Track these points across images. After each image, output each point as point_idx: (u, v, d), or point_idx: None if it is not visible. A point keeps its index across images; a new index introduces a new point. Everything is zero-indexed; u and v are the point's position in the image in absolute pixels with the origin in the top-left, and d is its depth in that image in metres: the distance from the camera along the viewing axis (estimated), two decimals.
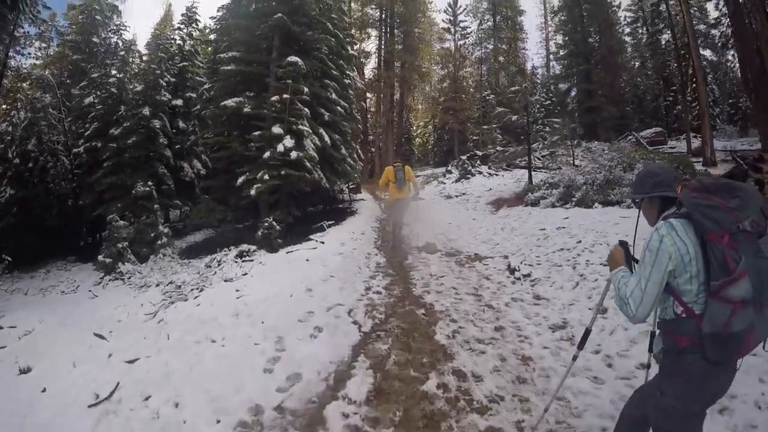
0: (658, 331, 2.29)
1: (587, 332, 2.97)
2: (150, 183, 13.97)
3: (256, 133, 11.09)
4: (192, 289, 8.04)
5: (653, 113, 38.39)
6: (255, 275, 7.84)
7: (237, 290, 6.96)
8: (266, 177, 10.45)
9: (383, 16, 40.60)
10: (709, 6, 33.11)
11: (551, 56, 45.51)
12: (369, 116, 41.47)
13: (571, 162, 17.06)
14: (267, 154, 10.62)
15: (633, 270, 2.32)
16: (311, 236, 10.70)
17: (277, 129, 10.74)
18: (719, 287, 1.89)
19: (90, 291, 11.17)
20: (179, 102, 17.16)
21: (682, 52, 29.82)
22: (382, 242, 11.13)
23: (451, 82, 42.80)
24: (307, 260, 8.29)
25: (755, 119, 28.35)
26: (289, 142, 10.59)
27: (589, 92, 33.79)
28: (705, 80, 23.99)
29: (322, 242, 9.88)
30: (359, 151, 17.40)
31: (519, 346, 4.95)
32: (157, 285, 9.95)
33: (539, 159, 19.37)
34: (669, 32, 34.51)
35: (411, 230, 11.83)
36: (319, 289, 6.59)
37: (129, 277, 11.62)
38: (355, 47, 16.19)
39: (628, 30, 41.02)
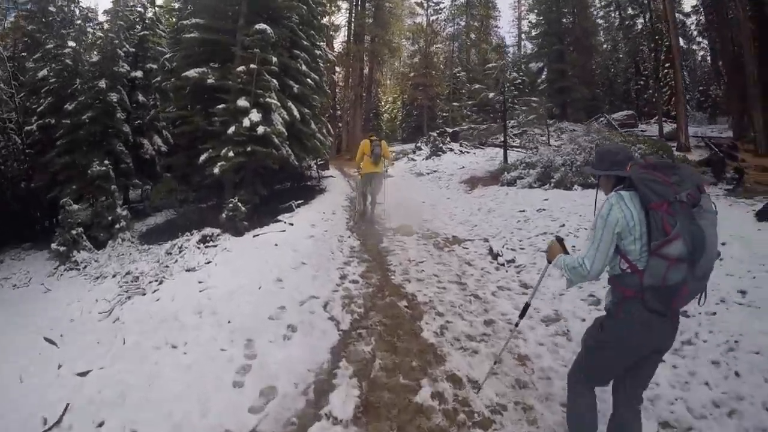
0: (608, 286, 2.62)
1: (527, 306, 3.49)
2: (107, 162, 12.99)
3: (220, 106, 10.27)
4: (151, 281, 7.31)
5: (623, 96, 38.74)
6: (220, 263, 7.16)
7: (200, 281, 6.32)
8: (231, 154, 9.67)
9: None
10: None
11: (523, 35, 45.61)
12: (338, 90, 40.65)
13: (546, 142, 16.70)
14: (232, 129, 9.80)
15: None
16: (279, 217, 10.03)
17: (242, 102, 9.95)
18: (658, 246, 2.25)
19: (42, 284, 10.35)
20: (139, 74, 16.03)
21: (656, 37, 29.96)
22: (354, 222, 10.53)
23: (422, 58, 42.14)
24: (276, 245, 7.66)
25: (725, 107, 28.85)
26: (255, 116, 9.79)
27: (561, 72, 33.64)
28: (682, 66, 23.95)
29: (291, 224, 9.24)
30: (329, 126, 16.60)
31: (513, 342, 4.50)
32: (114, 276, 9.20)
33: (514, 138, 18.96)
34: (643, 17, 34.85)
35: (384, 210, 11.35)
36: (291, 279, 6.01)
37: (85, 267, 10.81)
38: (325, 18, 15.09)
39: (601, 14, 40.80)
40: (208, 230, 9.16)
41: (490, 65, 19.11)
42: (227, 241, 8.71)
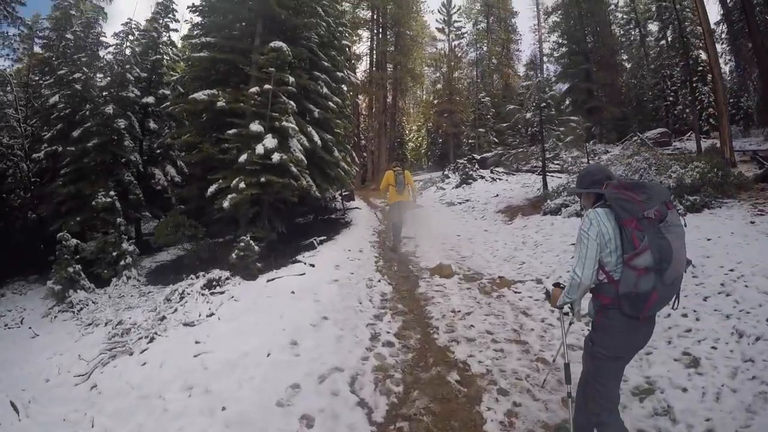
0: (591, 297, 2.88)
1: (567, 368, 3.20)
2: (112, 193, 12.02)
3: (231, 131, 9.16)
4: (141, 337, 6.14)
5: (652, 114, 37.28)
6: (224, 317, 6.01)
7: (197, 342, 5.19)
8: (242, 185, 8.48)
9: (375, 16, 39.35)
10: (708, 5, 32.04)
11: (545, 57, 45.09)
12: (362, 119, 40.07)
13: (577, 165, 15.32)
14: (244, 157, 8.65)
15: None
16: (299, 257, 8.85)
17: (255, 126, 8.80)
18: (628, 258, 2.53)
19: (31, 328, 9.30)
20: (151, 100, 15.12)
21: (687, 49, 28.79)
22: (385, 262, 9.29)
23: (445, 84, 41.60)
24: (293, 292, 6.49)
25: (760, 118, 27.28)
26: (270, 142, 8.63)
27: (588, 92, 32.40)
28: (721, 76, 22.48)
29: (312, 265, 8.03)
30: (353, 154, 15.49)
31: None
32: (106, 324, 8.08)
33: (551, 162, 17.62)
34: (670, 30, 33.84)
35: (417, 245, 10.27)
36: (309, 342, 4.81)
37: (80, 309, 9.75)
38: (347, 41, 14.18)
39: (621, 31, 39.68)
40: (215, 273, 7.99)
41: (524, 83, 17.90)
42: (236, 286, 7.56)
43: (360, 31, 39.59)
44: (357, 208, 18.10)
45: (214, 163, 9.78)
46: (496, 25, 47.34)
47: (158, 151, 15.40)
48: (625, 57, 39.96)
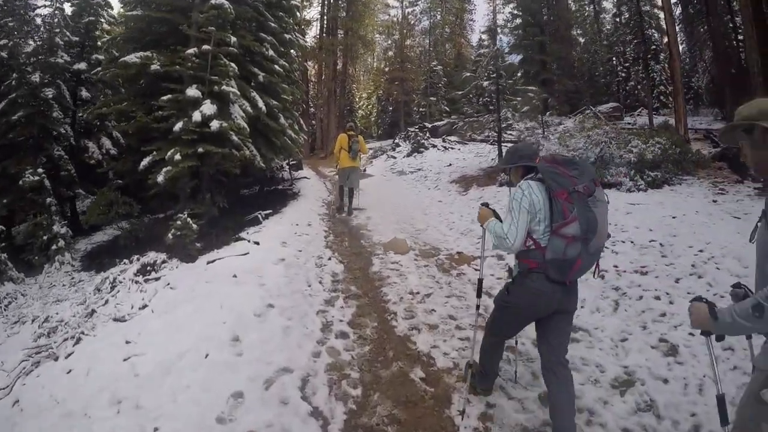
0: (516, 261, 3.06)
1: (480, 282, 3.78)
2: (40, 170, 10.85)
3: (166, 97, 8.18)
4: (66, 338, 5.33)
5: (604, 89, 37.89)
6: (158, 309, 5.29)
7: (128, 342, 4.49)
8: (178, 156, 7.59)
9: None
10: None
11: (499, 29, 44.50)
12: (311, 86, 38.86)
13: (542, 136, 15.03)
14: (179, 126, 7.75)
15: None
16: (243, 234, 8.12)
17: (192, 91, 7.93)
18: (558, 227, 2.68)
19: None
20: (83, 66, 13.60)
21: (643, 27, 29.16)
22: (335, 237, 8.69)
23: (397, 51, 40.93)
24: (235, 276, 5.81)
25: (711, 98, 28.05)
26: (209, 108, 7.75)
27: (542, 64, 32.30)
28: (679, 55, 22.72)
29: (257, 243, 7.34)
30: (301, 121, 14.60)
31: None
32: (33, 321, 7.16)
33: (506, 132, 17.25)
34: (626, 8, 34.32)
35: (369, 218, 9.73)
36: (252, 337, 4.21)
37: (7, 304, 8.73)
38: (296, 2, 13.09)
39: (576, 6, 39.95)
40: (151, 256, 7.17)
41: (480, 51, 17.36)
42: (173, 271, 6.80)
43: None
44: (305, 177, 17.36)
45: (151, 133, 8.84)
46: None
47: (94, 122, 14.01)
48: (578, 32, 40.15)
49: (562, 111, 29.04)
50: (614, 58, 37.28)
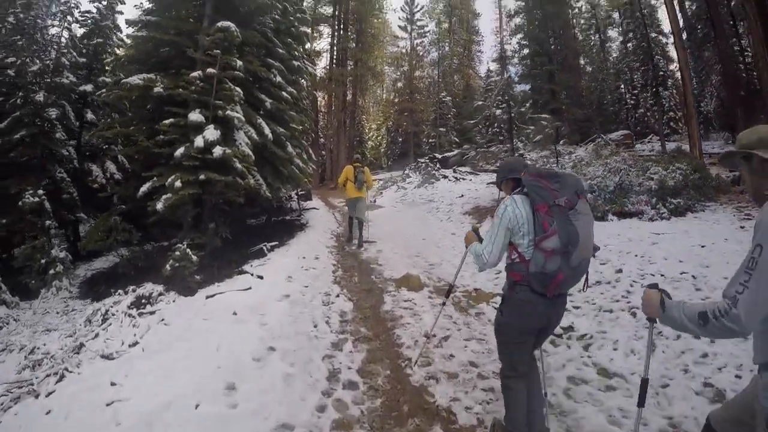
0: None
1: (451, 288, 4.25)
2: (41, 192, 10.53)
3: (167, 121, 7.84)
4: (49, 374, 4.87)
5: (613, 117, 37.78)
6: (149, 347, 4.82)
7: (113, 383, 4.00)
8: (178, 184, 7.23)
9: (336, 12, 38.30)
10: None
11: (506, 59, 44.79)
12: (321, 117, 38.96)
13: (556, 165, 14.60)
14: (180, 151, 7.39)
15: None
16: (246, 266, 7.68)
17: (195, 116, 7.57)
18: (538, 240, 2.67)
19: None
20: (89, 87, 13.38)
21: (651, 54, 29.18)
22: (344, 271, 8.21)
23: (406, 82, 41.02)
24: (235, 314, 5.34)
25: (721, 122, 27.78)
26: (212, 133, 7.41)
27: (552, 93, 32.18)
28: (691, 79, 22.44)
29: (261, 277, 6.89)
30: (310, 150, 14.26)
31: None
32: (20, 350, 6.74)
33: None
34: (632, 35, 34.54)
35: (380, 251, 9.36)
36: (249, 385, 3.73)
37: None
38: (305, 28, 12.82)
39: (581, 36, 40.43)
40: (147, 287, 6.70)
41: (492, 79, 17.10)
42: (170, 305, 6.33)
43: (321, 28, 39.22)
44: (314, 208, 17.00)
45: (153, 158, 8.50)
46: (459, 26, 47.78)
47: (100, 145, 13.73)
48: (585, 61, 40.46)
49: (573, 140, 28.89)
50: (622, 86, 37.64)
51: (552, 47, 34.46)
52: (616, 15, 38.54)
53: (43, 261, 10.07)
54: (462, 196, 16.95)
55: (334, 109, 39.12)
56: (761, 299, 1.67)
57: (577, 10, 39.39)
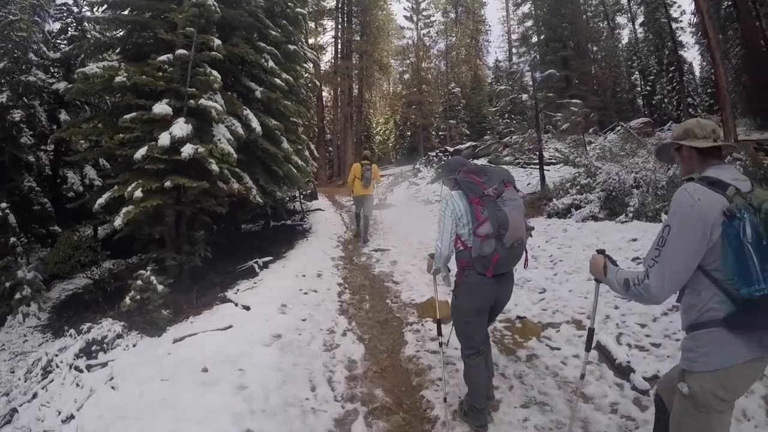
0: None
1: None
2: (3, 204, 9.16)
3: (129, 115, 6.25)
4: None
5: (630, 104, 36.63)
6: (84, 428, 3.45)
7: None
8: (138, 193, 5.68)
9: (339, 4, 37.03)
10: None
11: (513, 48, 43.70)
12: (327, 112, 37.74)
13: (586, 156, 12.99)
14: (141, 152, 5.88)
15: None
16: (230, 291, 6.21)
17: (160, 107, 6.02)
18: (474, 228, 2.96)
19: None
20: (62, 86, 11.84)
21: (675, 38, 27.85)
22: (352, 293, 6.73)
23: (414, 73, 39.54)
24: (206, 370, 3.93)
25: (748, 107, 26.18)
26: (181, 128, 5.85)
27: (567, 80, 30.60)
28: (723, 62, 20.81)
29: (247, 307, 5.43)
30: (312, 146, 12.70)
31: None
32: None
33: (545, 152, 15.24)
34: (644, 19, 35.62)
35: (394, 262, 8.18)
36: None
37: None
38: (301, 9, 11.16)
39: (591, 24, 39.07)
40: (104, 326, 5.21)
41: (515, 61, 15.56)
42: (127, 351, 4.89)
43: (324, 21, 38.55)
44: (319, 209, 15.58)
45: (119, 161, 7.06)
46: (465, 16, 46.90)
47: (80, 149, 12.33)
48: (595, 48, 39.20)
49: (587, 128, 27.76)
50: (636, 72, 37.53)
51: (566, 32, 33.23)
52: (624, 1, 38.88)
53: (7, 284, 8.67)
54: None
55: (340, 103, 37.93)
56: (667, 272, 1.93)
57: None
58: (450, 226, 3.07)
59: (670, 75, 33.46)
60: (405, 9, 42.90)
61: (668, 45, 32.79)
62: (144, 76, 6.31)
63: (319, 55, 32.64)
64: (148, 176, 5.95)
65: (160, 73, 6.43)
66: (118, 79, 6.48)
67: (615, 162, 10.63)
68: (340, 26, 37.23)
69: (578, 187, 10.14)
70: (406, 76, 42.90)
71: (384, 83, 47.20)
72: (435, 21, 44.54)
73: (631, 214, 8.32)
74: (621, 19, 39.91)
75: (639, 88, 37.49)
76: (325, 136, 37.28)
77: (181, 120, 6.00)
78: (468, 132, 37.74)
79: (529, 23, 36.99)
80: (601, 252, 2.41)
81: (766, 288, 1.71)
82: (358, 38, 37.00)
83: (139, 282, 5.44)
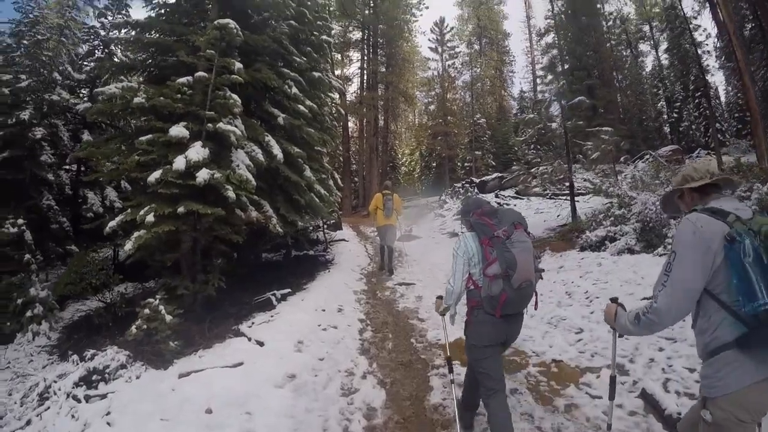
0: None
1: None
2: (21, 221, 9.06)
3: (145, 137, 6.06)
4: None
5: (657, 132, 36.20)
6: None
7: None
8: (150, 218, 5.47)
9: (365, 36, 37.29)
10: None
11: (537, 78, 43.78)
12: (352, 143, 37.88)
13: (618, 186, 12.45)
14: (156, 175, 5.72)
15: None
16: (244, 325, 5.85)
17: (177, 130, 5.84)
18: (483, 268, 3.06)
19: None
20: (87, 105, 12.02)
21: (700, 63, 27.35)
22: (374, 330, 6.32)
23: (439, 104, 39.49)
24: (210, 412, 3.59)
25: None
26: (197, 152, 5.63)
27: (593, 108, 30.18)
28: (753, 84, 20.19)
29: (261, 343, 5.09)
30: (336, 176, 12.46)
31: None
32: None
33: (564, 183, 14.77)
34: (667, 45, 35.72)
35: (419, 297, 7.85)
36: None
37: None
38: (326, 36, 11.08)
39: (614, 52, 38.70)
40: (108, 354, 4.92)
41: (542, 89, 15.24)
42: (130, 383, 4.56)
43: (350, 53, 39.15)
44: (343, 240, 15.26)
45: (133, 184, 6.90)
46: (489, 47, 46.73)
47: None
48: (619, 76, 38.69)
49: (617, 158, 27.20)
50: (662, 100, 37.23)
51: (590, 61, 32.99)
52: (646, 28, 38.86)
53: (19, 301, 8.48)
54: None
55: (366, 134, 38.02)
56: (675, 296, 2.05)
57: (611, 22, 38.17)
58: (462, 266, 3.16)
59: (696, 101, 32.93)
60: (430, 40, 42.87)
61: (693, 71, 32.40)
62: (162, 98, 6.13)
63: (345, 86, 33.01)
64: (161, 200, 5.71)
65: (179, 95, 6.25)
66: (136, 100, 6.32)
67: (649, 191, 10.14)
68: (365, 57, 37.42)
69: (612, 218, 9.64)
70: (432, 107, 42.67)
71: (409, 114, 47.33)
72: (460, 52, 44.38)
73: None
74: (644, 47, 39.83)
75: (665, 116, 37.06)
76: (350, 166, 37.13)
77: (198, 144, 5.77)
78: (494, 163, 37.42)
79: (554, 52, 36.97)
80: (614, 300, 2.59)
81: None
82: (384, 69, 36.98)
83: (147, 311, 5.15)
